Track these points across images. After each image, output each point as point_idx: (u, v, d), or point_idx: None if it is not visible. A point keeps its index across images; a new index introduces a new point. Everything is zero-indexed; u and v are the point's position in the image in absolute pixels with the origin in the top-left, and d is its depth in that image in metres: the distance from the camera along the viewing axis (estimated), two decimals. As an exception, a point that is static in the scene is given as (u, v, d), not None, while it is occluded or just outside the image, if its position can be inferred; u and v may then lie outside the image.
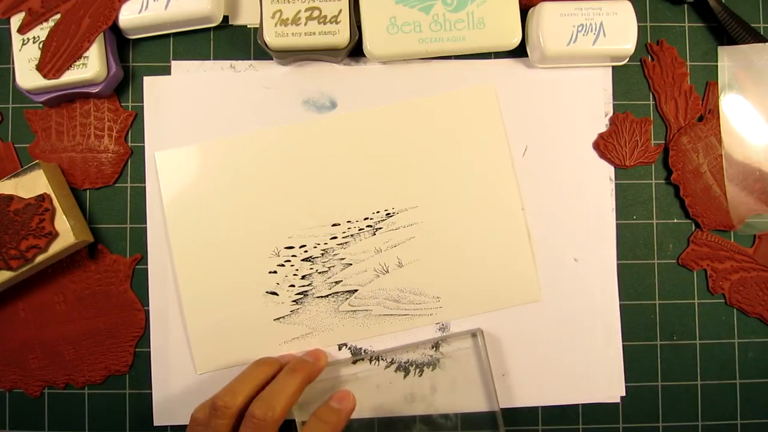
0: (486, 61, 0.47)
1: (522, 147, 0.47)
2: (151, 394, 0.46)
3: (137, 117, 0.47)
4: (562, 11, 0.44)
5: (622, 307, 0.47)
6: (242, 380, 0.40)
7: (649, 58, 0.48)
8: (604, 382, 0.46)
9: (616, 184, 0.47)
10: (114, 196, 0.46)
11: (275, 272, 0.46)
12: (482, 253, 0.46)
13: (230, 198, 0.46)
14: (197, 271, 0.45)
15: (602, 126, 0.47)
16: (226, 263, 0.46)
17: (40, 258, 0.42)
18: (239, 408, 0.38)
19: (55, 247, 0.42)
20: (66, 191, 0.45)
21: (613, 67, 0.48)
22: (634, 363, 0.47)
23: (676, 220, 0.48)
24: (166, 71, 0.47)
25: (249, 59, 0.47)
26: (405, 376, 0.46)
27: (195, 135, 0.46)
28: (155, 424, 0.45)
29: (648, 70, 0.48)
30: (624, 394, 0.46)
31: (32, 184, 0.42)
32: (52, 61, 0.43)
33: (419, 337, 0.46)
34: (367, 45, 0.44)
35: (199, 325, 0.45)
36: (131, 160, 0.47)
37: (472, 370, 0.46)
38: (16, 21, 0.44)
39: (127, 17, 0.44)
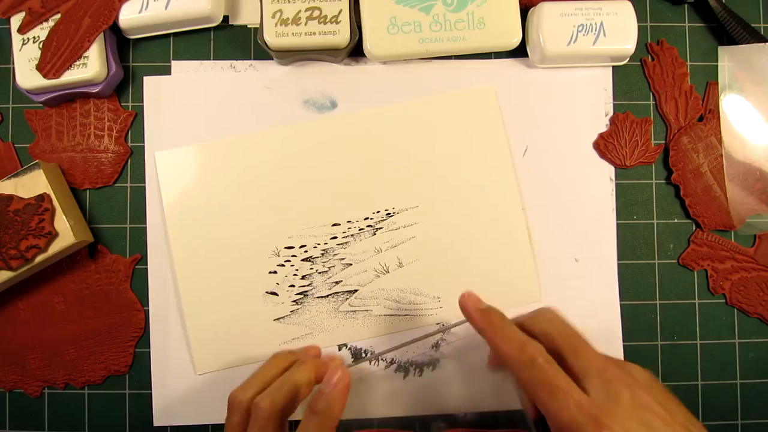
0: (486, 61, 0.47)
1: (522, 147, 0.47)
2: (151, 394, 0.45)
3: (137, 117, 0.47)
4: (562, 11, 0.44)
5: (622, 307, 0.47)
6: (255, 375, 0.40)
7: (650, 58, 0.48)
8: (605, 382, 0.46)
9: (616, 184, 0.47)
10: (114, 196, 0.46)
11: (275, 272, 0.46)
12: (482, 253, 0.46)
13: (230, 198, 0.46)
14: (197, 271, 0.45)
15: (602, 126, 0.47)
16: (226, 263, 0.45)
17: (40, 258, 0.42)
18: (249, 402, 0.38)
19: (55, 247, 0.42)
20: (66, 191, 0.45)
21: (614, 67, 0.48)
22: (634, 363, 0.46)
23: (676, 220, 0.48)
24: (166, 71, 0.47)
25: (249, 59, 0.47)
26: (405, 377, 0.46)
27: (195, 135, 0.46)
28: (155, 424, 0.45)
29: (648, 70, 0.48)
30: (624, 394, 0.46)
31: (32, 184, 0.42)
32: (52, 61, 0.43)
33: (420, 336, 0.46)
34: (367, 45, 0.44)
35: (199, 325, 0.45)
36: (131, 160, 0.47)
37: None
38: (16, 21, 0.44)
39: (127, 17, 0.44)
